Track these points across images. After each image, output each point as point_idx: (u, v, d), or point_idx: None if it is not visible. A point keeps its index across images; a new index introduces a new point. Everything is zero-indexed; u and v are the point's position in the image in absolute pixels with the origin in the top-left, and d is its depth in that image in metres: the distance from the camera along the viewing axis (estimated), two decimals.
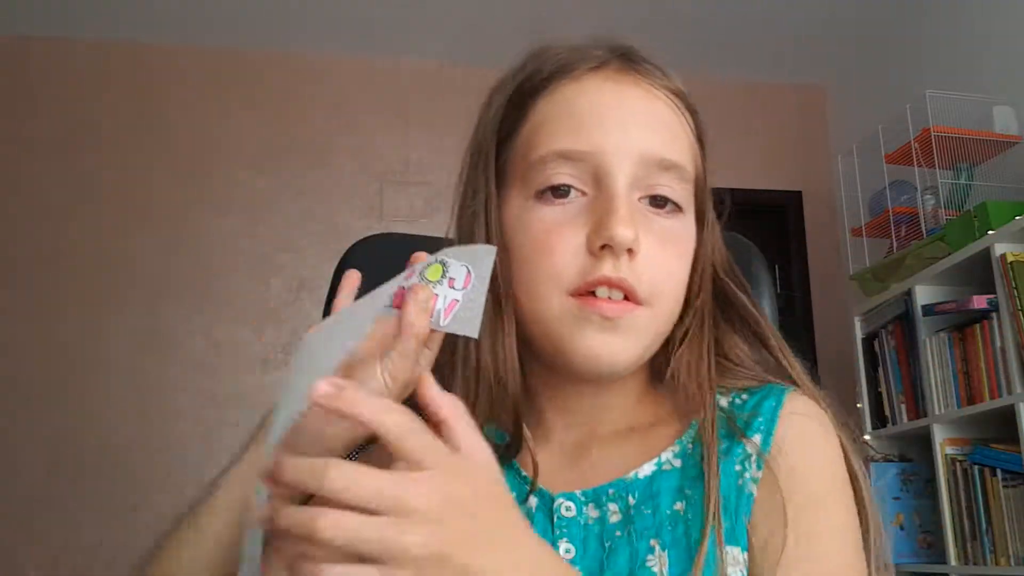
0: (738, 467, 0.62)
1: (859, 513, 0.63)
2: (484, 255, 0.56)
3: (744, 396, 0.67)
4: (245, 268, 3.15)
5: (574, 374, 0.64)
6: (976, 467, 2.34)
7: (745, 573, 0.59)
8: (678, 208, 0.65)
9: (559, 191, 0.63)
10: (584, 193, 0.63)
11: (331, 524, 0.41)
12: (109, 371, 2.95)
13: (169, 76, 3.24)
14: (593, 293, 0.61)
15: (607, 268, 0.61)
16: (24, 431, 2.85)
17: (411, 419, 0.45)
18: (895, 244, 2.80)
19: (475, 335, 0.56)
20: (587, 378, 0.65)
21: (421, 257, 0.57)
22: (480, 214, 0.67)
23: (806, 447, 0.63)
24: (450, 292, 0.56)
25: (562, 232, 0.62)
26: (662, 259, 0.63)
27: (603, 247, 0.60)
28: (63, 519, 2.79)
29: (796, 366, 0.69)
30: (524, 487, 0.64)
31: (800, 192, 3.58)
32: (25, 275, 2.99)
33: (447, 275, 0.56)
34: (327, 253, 3.09)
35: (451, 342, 0.63)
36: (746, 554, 0.61)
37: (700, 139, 0.69)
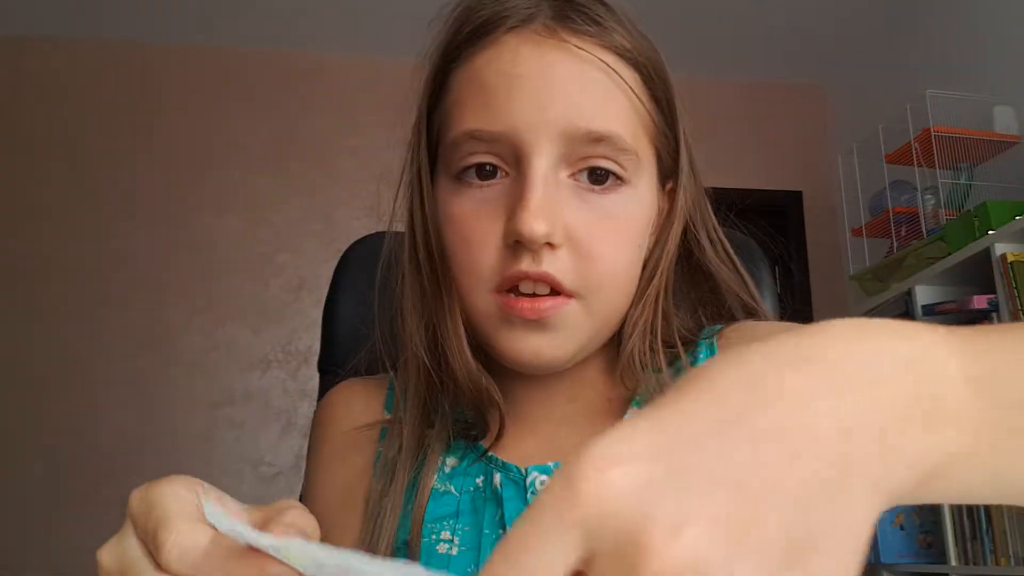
0: None
1: None
2: None
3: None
4: (245, 268, 3.15)
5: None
6: None
7: None
8: (621, 180, 0.57)
9: (483, 171, 0.56)
10: (507, 173, 0.56)
11: None
12: (109, 371, 2.95)
13: (169, 76, 3.24)
14: (518, 286, 0.56)
15: (525, 262, 0.54)
16: (24, 431, 2.85)
17: None
18: (895, 244, 2.80)
19: None
20: (525, 373, 0.60)
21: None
22: (414, 195, 0.62)
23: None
24: None
25: (481, 222, 0.56)
26: (596, 243, 0.56)
27: (517, 241, 0.54)
28: (62, 519, 2.79)
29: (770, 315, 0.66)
30: (489, 467, 0.60)
31: (800, 192, 3.57)
32: (25, 275, 2.99)
33: None
34: (327, 253, 3.09)
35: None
36: None
37: (655, 95, 0.60)
